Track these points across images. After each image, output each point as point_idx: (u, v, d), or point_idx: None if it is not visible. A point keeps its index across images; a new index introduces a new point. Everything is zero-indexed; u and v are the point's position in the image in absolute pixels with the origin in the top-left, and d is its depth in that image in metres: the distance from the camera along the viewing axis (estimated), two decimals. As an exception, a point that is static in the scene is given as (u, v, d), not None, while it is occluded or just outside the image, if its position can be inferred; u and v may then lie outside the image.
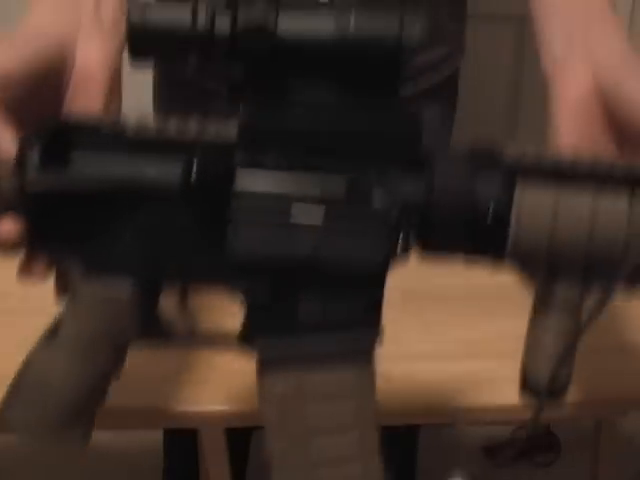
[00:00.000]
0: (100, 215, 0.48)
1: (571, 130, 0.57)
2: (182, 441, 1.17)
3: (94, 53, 0.54)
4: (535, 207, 0.47)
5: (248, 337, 0.50)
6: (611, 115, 0.57)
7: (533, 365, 0.50)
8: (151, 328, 0.52)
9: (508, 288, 0.89)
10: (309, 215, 0.47)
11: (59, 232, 0.49)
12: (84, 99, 0.53)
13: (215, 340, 0.53)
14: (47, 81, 0.53)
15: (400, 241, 0.47)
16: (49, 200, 0.48)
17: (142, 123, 0.49)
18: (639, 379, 0.78)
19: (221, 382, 0.75)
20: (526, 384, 0.51)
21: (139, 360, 0.76)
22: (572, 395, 0.77)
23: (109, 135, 0.49)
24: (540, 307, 0.50)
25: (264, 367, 0.50)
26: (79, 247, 0.49)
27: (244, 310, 0.50)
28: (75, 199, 0.48)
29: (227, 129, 0.48)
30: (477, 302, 0.87)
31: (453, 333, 0.82)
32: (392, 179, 0.47)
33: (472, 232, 0.48)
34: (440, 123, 0.99)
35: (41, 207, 0.48)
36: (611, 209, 0.47)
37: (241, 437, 1.24)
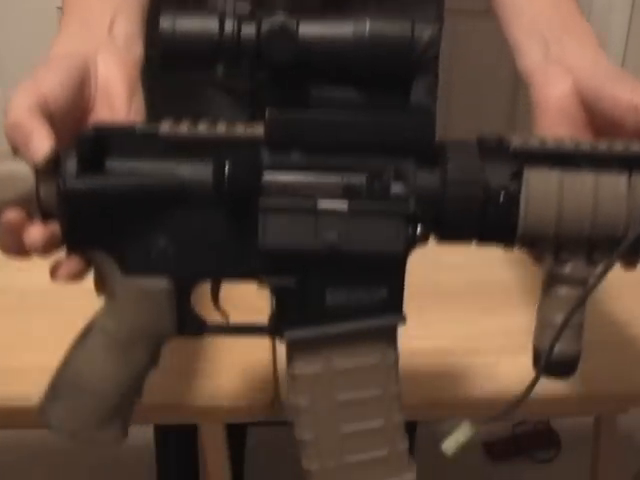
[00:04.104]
0: (134, 217, 0.51)
1: (554, 133, 0.62)
2: (176, 437, 1.17)
3: (113, 69, 0.60)
4: (542, 191, 0.51)
5: (278, 326, 0.53)
6: (592, 118, 0.62)
7: (543, 342, 0.54)
8: (186, 321, 0.54)
9: (508, 284, 0.90)
10: (334, 204, 0.50)
11: (95, 235, 0.52)
12: (109, 113, 0.58)
13: (246, 329, 0.56)
14: (77, 96, 0.57)
15: (418, 229, 0.51)
16: (86, 204, 0.51)
17: (174, 124, 0.52)
18: (639, 375, 0.78)
19: (221, 378, 0.75)
20: (537, 360, 0.55)
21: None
22: (572, 391, 0.78)
23: (142, 138, 0.51)
24: (549, 284, 0.54)
25: (294, 353, 0.54)
26: (115, 249, 0.52)
27: (273, 300, 0.53)
28: (110, 203, 0.51)
29: (253, 129, 0.51)
30: (477, 298, 0.87)
31: (453, 329, 0.82)
32: (408, 172, 0.51)
33: (484, 219, 0.52)
34: (427, 91, 1.08)
35: (78, 211, 0.51)
36: (612, 188, 0.51)
37: (237, 433, 1.24)
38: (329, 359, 0.53)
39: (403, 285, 0.52)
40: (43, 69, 0.57)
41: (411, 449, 1.43)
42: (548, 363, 0.53)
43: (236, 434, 1.19)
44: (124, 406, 0.56)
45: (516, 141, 0.52)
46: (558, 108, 0.63)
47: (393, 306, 0.52)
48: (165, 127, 0.51)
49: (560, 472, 1.55)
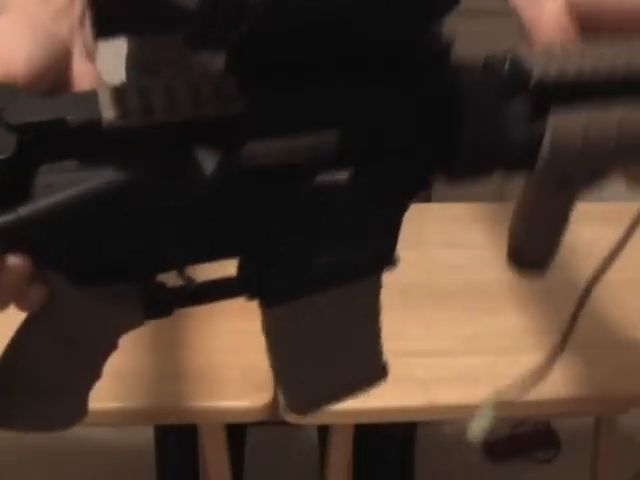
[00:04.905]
0: (77, 232, 0.40)
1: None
2: (177, 437, 1.17)
3: (86, 70, 0.49)
4: (567, 130, 0.45)
5: (252, 289, 0.47)
6: (595, 29, 0.53)
7: (521, 238, 0.52)
8: (153, 304, 0.45)
9: (507, 284, 0.90)
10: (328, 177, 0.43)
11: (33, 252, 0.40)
12: None
13: (214, 285, 0.47)
14: (53, 73, 0.49)
15: (425, 176, 0.46)
16: (19, 233, 0.38)
17: (120, 102, 0.37)
18: (639, 376, 0.78)
19: (220, 378, 0.75)
20: (513, 255, 0.53)
21: (138, 358, 0.76)
22: (572, 391, 0.78)
23: (81, 132, 0.37)
24: (535, 189, 0.50)
25: (267, 307, 0.48)
26: (62, 265, 0.42)
27: (242, 260, 0.46)
28: (53, 226, 0.39)
29: (229, 106, 0.39)
30: (476, 298, 0.87)
31: (453, 329, 0.82)
32: (418, 112, 0.44)
33: (501, 160, 0.46)
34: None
35: (12, 243, 0.39)
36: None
37: (237, 433, 1.24)
38: (309, 306, 0.49)
39: (397, 238, 0.48)
40: (27, 33, 0.45)
41: (411, 449, 1.42)
42: (532, 263, 0.52)
43: (236, 434, 1.19)
44: (82, 392, 0.48)
45: (537, 69, 0.44)
46: (552, 26, 0.54)
47: (387, 258, 0.49)
48: (109, 113, 0.37)
49: (560, 472, 1.55)
